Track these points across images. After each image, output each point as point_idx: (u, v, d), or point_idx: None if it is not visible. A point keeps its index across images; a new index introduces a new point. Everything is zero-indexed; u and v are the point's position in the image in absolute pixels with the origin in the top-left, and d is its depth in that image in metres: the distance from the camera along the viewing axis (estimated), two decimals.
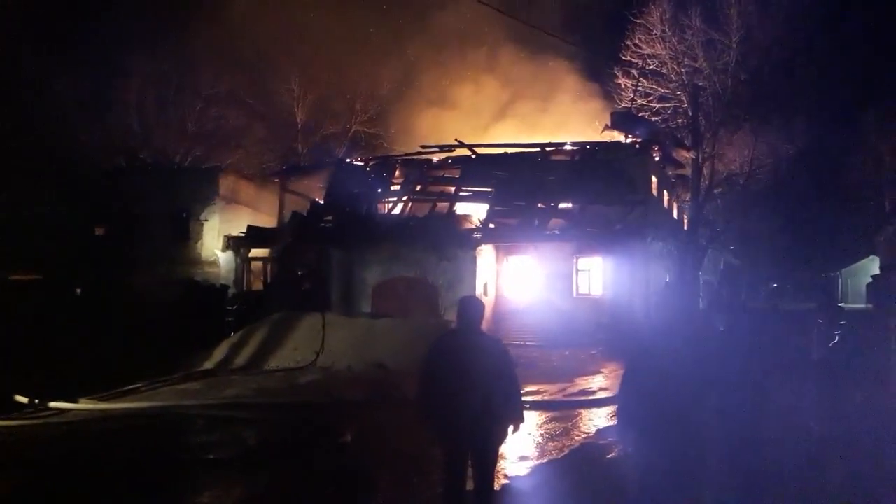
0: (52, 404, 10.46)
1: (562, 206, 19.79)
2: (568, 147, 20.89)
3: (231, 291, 19.75)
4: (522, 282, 19.94)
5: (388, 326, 15.78)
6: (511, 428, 5.42)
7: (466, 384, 5.21)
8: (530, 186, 19.80)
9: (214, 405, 10.72)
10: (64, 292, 19.75)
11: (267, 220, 23.22)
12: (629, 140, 20.69)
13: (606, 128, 21.63)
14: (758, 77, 20.46)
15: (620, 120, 21.21)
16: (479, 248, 19.07)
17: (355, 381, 13.14)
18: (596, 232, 18.28)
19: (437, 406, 5.27)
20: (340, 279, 19.90)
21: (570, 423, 9.73)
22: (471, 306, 5.49)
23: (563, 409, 10.69)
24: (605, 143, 20.80)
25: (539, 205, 19.64)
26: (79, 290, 20.88)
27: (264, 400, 11.30)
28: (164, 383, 12.64)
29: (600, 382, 12.93)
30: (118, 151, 26.56)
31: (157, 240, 21.51)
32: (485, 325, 19.91)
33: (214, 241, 21.80)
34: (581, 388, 12.42)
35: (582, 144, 20.75)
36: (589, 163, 19.82)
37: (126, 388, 11.89)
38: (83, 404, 10.62)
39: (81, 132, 25.13)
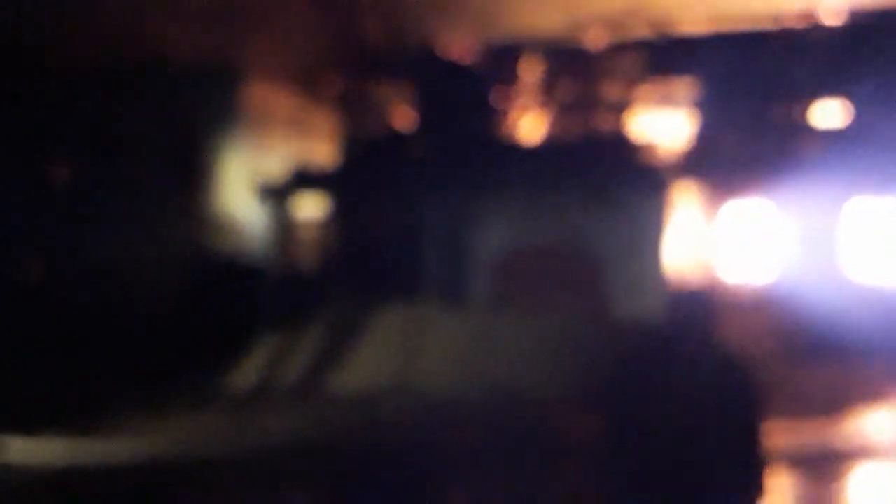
0: (8, 441, 11.10)
1: (817, 115, 19.55)
2: (829, 17, 20.32)
3: (276, 266, 20.33)
4: (748, 249, 19.64)
5: (520, 326, 15.85)
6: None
7: (679, 423, 5.26)
8: (761, 84, 19.65)
9: (248, 450, 11.01)
10: (8, 273, 20.93)
11: (320, 152, 23.63)
12: None
13: None
14: None
15: None
16: (673, 192, 18.88)
17: (469, 414, 13.29)
18: (880, 161, 17.75)
19: (630, 459, 5.34)
20: (440, 247, 20.04)
21: (837, 488, 10.03)
22: (685, 294, 5.50)
23: (825, 465, 11.24)
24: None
25: (777, 114, 19.44)
26: (32, 269, 22.08)
27: (325, 440, 11.57)
28: (166, 412, 13.15)
29: (892, 422, 13.21)
30: (85, 45, 27.64)
31: (150, 187, 22.30)
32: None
33: (237, 187, 22.42)
34: (858, 431, 13.09)
35: (854, 11, 20.04)
36: (865, 40, 19.52)
37: (116, 418, 12.43)
38: (52, 443, 11.21)
39: (24, 14, 26.28)
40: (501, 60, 22.78)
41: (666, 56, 20.70)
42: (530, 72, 22.49)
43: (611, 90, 21.58)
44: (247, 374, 15.93)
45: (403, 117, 23.51)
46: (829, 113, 19.47)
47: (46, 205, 21.84)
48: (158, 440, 11.66)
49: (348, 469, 10.57)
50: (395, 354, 15.64)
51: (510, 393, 14.40)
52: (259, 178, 22.29)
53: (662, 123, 20.83)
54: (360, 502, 9.60)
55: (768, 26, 20.54)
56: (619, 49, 21.70)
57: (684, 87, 20.36)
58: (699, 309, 19.28)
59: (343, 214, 21.64)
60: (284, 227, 21.99)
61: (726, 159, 19.02)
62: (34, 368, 15.15)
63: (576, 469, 10.34)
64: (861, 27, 19.83)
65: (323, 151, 23.71)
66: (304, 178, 21.74)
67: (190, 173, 22.74)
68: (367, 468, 10.65)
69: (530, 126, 21.87)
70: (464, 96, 22.06)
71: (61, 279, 20.68)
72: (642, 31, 21.48)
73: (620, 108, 20.82)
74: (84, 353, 16.15)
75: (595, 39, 22.12)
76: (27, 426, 11.61)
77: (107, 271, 19.92)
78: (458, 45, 25.37)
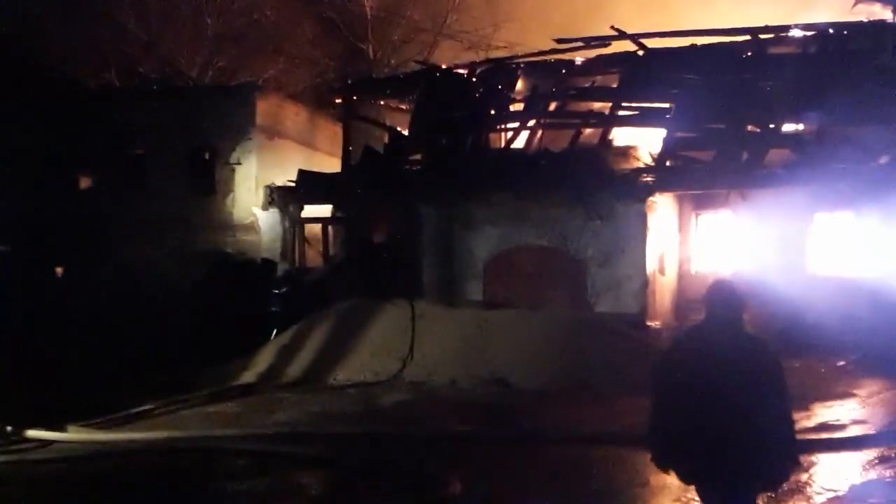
0: (30, 433, 11.16)
1: (787, 128, 19.30)
2: (795, 34, 20.27)
3: (281, 268, 20.34)
4: (722, 253, 19.68)
5: (509, 322, 15.96)
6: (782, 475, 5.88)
7: (727, 407, 5.59)
8: (734, 99, 19.37)
9: (259, 437, 11.19)
10: (38, 272, 20.97)
11: (326, 162, 23.68)
12: None
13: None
14: None
15: None
16: (652, 199, 18.87)
17: (463, 404, 13.35)
18: (846, 169, 17.53)
19: (683, 439, 5.71)
20: (436, 250, 20.20)
21: (804, 475, 9.54)
22: (727, 293, 5.92)
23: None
24: (859, 23, 19.92)
25: (749, 128, 19.24)
26: (59, 269, 22.12)
27: (330, 430, 11.72)
28: (185, 404, 13.35)
29: (853, 411, 12.71)
30: (107, 65, 27.68)
31: (168, 194, 22.37)
32: (667, 319, 19.66)
33: (251, 193, 22.46)
34: (821, 419, 12.24)
35: (819, 28, 20.10)
36: (831, 58, 19.22)
37: (132, 410, 12.61)
38: (73, 434, 11.28)
39: (55, 38, 26.34)
40: (494, 77, 22.73)
41: (644, 72, 20.58)
42: (521, 87, 22.42)
43: (594, 105, 21.53)
44: (258, 366, 16.01)
45: (403, 129, 23.49)
46: (799, 128, 19.48)
47: (75, 210, 21.90)
48: (175, 429, 11.72)
49: (353, 453, 10.54)
50: (397, 348, 15.66)
51: (500, 383, 14.43)
52: (270, 185, 22.35)
53: (643, 134, 20.76)
54: (363, 486, 9.55)
55: (739, 44, 20.43)
56: (602, 66, 21.62)
57: (661, 101, 20.23)
58: (675, 301, 19.54)
59: (347, 218, 21.66)
60: (294, 230, 21.99)
61: (699, 171, 18.90)
62: (53, 366, 15.21)
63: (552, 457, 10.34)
64: (828, 45, 19.63)
65: (328, 162, 23.71)
66: (311, 186, 21.80)
67: (211, 182, 22.71)
68: (369, 453, 10.62)
69: (521, 137, 21.83)
70: (459, 110, 22.00)
71: (85, 279, 20.74)
72: (622, 48, 21.46)
73: (603, 121, 20.76)
74: (103, 348, 16.17)
75: (580, 57, 22.11)
76: (51, 417, 11.63)
77: (127, 272, 19.94)
78: (455, 62, 25.36)
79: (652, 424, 5.87)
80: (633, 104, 20.65)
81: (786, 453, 5.75)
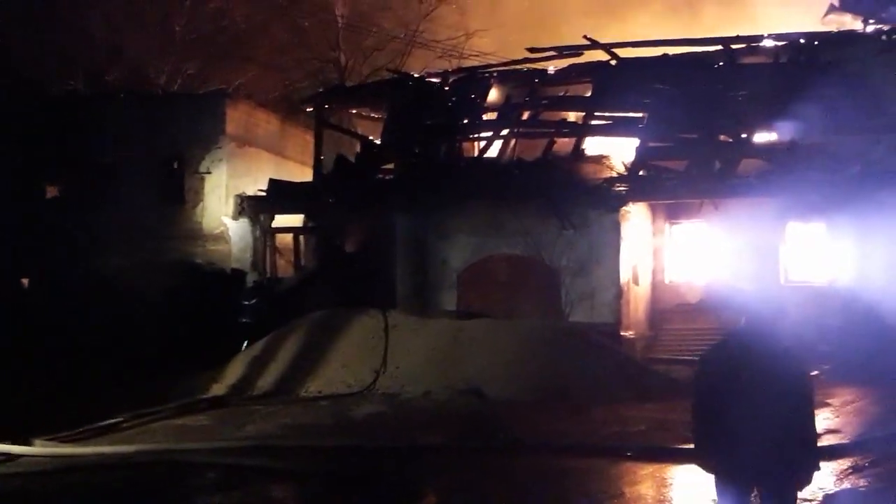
0: None
1: (759, 138, 19.50)
2: (768, 44, 20.47)
3: (251, 278, 20.26)
4: (696, 262, 19.87)
5: (483, 332, 15.98)
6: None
7: (757, 413, 5.66)
8: (706, 109, 19.54)
9: (230, 449, 11.13)
10: (5, 283, 20.79)
11: (297, 171, 23.61)
12: (870, 28, 20.02)
13: (832, 9, 20.93)
14: None
15: None
16: (625, 208, 19.03)
17: (437, 415, 13.36)
18: (817, 179, 17.72)
19: (719, 439, 5.80)
20: (409, 259, 20.21)
21: None
22: (770, 304, 6.00)
23: None
24: (830, 34, 20.18)
25: (722, 137, 19.43)
26: (25, 281, 21.94)
27: (302, 442, 11.66)
28: (154, 416, 13.24)
29: (827, 420, 12.72)
30: (74, 72, 27.52)
31: (136, 203, 22.21)
32: (641, 329, 19.68)
33: (221, 203, 22.32)
34: None
35: (791, 38, 20.30)
36: (803, 68, 19.42)
37: (100, 423, 12.48)
38: (40, 448, 11.18)
39: (18, 44, 26.15)
40: (467, 86, 22.76)
41: (617, 81, 20.69)
42: (494, 96, 22.47)
43: (566, 114, 21.64)
44: (228, 378, 15.95)
45: (376, 138, 23.49)
46: (771, 138, 19.64)
47: (42, 220, 21.73)
48: (144, 442, 11.66)
49: (326, 466, 10.52)
50: (370, 359, 15.65)
51: (475, 393, 14.46)
52: (240, 195, 22.26)
53: (615, 147, 20.85)
54: (336, 499, 9.53)
55: (712, 53, 20.59)
56: (574, 76, 21.72)
57: (634, 111, 20.36)
58: (649, 310, 19.65)
59: (319, 228, 21.61)
60: (265, 239, 21.91)
61: (672, 180, 19.04)
62: (21, 377, 15.13)
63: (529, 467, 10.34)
64: (800, 55, 19.82)
65: (300, 171, 23.66)
66: (282, 195, 21.74)
67: (180, 191, 22.57)
68: (342, 465, 10.60)
69: (494, 146, 21.87)
70: (433, 119, 22.05)
71: (53, 289, 20.59)
72: (596, 58, 21.59)
73: (575, 130, 20.84)
74: (72, 360, 16.08)
75: (553, 66, 22.20)
76: (19, 430, 11.54)
77: (96, 282, 19.80)
78: (427, 71, 25.41)
79: (694, 428, 5.97)
80: (606, 114, 20.75)
81: (811, 457, 5.85)
